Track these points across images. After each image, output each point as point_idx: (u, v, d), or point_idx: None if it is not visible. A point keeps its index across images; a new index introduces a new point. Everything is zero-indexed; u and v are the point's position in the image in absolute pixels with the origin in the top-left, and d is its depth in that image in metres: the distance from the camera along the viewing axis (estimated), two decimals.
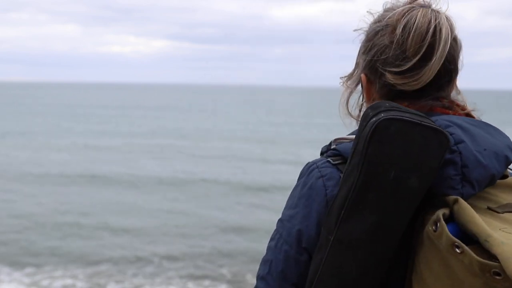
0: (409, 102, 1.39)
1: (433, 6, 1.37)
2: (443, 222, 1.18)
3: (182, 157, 25.03)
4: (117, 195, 16.71)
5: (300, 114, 61.64)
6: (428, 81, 1.35)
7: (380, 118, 1.20)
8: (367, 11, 1.46)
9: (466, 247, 1.14)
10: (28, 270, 10.56)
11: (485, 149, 1.28)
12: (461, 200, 1.21)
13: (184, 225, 13.53)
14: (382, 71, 1.38)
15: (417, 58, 1.32)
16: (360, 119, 1.38)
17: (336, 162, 1.36)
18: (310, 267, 1.31)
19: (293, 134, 36.96)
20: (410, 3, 1.39)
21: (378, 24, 1.41)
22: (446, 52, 1.33)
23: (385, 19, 1.40)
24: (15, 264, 10.86)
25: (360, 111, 1.52)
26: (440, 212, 1.20)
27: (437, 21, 1.33)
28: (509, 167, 1.34)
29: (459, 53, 1.41)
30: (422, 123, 1.20)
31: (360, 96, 1.51)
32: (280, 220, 1.40)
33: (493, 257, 1.12)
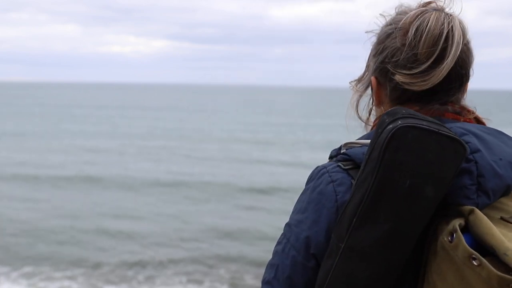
0: (419, 106, 1.38)
1: (447, 9, 1.35)
2: (459, 233, 1.17)
3: (180, 158, 24.88)
4: (113, 198, 16.58)
5: (300, 114, 61.64)
6: (436, 82, 1.33)
7: (398, 125, 1.18)
8: (380, 14, 1.46)
9: (484, 260, 1.12)
10: (26, 270, 10.56)
11: (500, 159, 1.27)
12: (477, 211, 1.20)
13: (181, 228, 13.42)
14: (392, 73, 1.37)
15: (429, 62, 1.31)
16: (367, 123, 1.44)
17: (347, 167, 1.34)
18: (318, 273, 1.30)
19: (292, 135, 36.90)
20: (423, 6, 1.38)
21: (389, 26, 1.41)
22: (457, 56, 1.32)
23: (396, 22, 1.39)
24: (13, 265, 10.84)
25: (369, 114, 1.51)
26: (456, 223, 1.18)
27: (450, 25, 1.32)
28: None
29: (470, 58, 1.40)
30: (440, 131, 1.19)
31: (369, 100, 1.50)
32: (287, 225, 1.38)
33: (510, 270, 1.11)
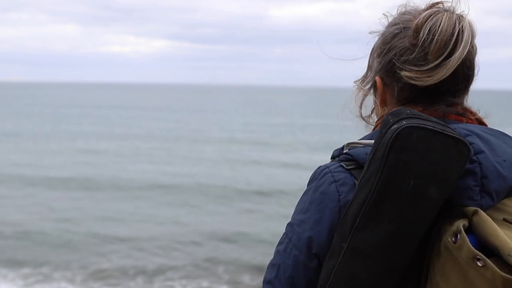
0: (423, 107, 1.38)
1: (458, 11, 1.36)
2: (464, 234, 1.17)
3: (178, 160, 24.73)
4: (110, 200, 16.47)
5: (299, 114, 61.58)
6: (441, 78, 1.33)
7: (402, 125, 1.19)
8: (383, 14, 1.46)
9: (488, 261, 1.13)
10: (25, 271, 10.56)
11: (504, 160, 1.28)
12: (481, 212, 1.21)
13: (179, 231, 13.32)
14: (400, 68, 1.36)
15: (439, 60, 1.31)
16: (369, 122, 1.46)
17: (350, 167, 1.34)
18: (320, 273, 1.30)
19: (291, 136, 36.82)
20: (431, 6, 1.38)
21: (396, 26, 1.41)
22: (465, 55, 1.32)
23: (404, 22, 1.39)
24: (11, 266, 10.82)
25: (372, 113, 1.51)
26: (460, 224, 1.19)
27: (461, 24, 1.32)
28: None
29: (476, 60, 1.41)
30: (444, 132, 1.19)
31: (372, 100, 1.51)
32: (289, 224, 1.38)
33: None
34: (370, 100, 1.50)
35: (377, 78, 1.44)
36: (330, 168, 1.36)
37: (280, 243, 1.38)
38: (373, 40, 1.48)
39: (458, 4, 1.36)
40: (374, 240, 1.20)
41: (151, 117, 53.14)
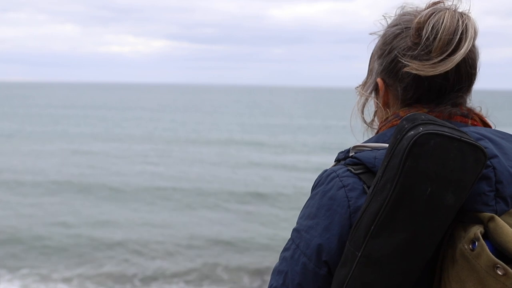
0: (429, 109, 1.37)
1: (460, 9, 1.35)
2: (483, 241, 1.15)
3: (175, 162, 24.44)
4: (106, 204, 16.30)
5: (299, 115, 61.55)
6: (444, 70, 1.32)
7: (420, 132, 1.17)
8: (383, 15, 1.45)
9: (510, 270, 1.11)
10: (22, 272, 10.59)
11: None
12: (498, 218, 1.19)
13: (175, 235, 13.19)
14: (404, 65, 1.35)
15: (443, 56, 1.31)
16: (372, 126, 1.46)
17: (358, 171, 1.31)
18: (331, 282, 1.28)
19: (290, 137, 36.75)
20: (432, 5, 1.37)
21: (397, 27, 1.40)
22: (468, 52, 1.32)
23: (405, 22, 1.39)
24: (9, 266, 10.86)
25: (374, 117, 1.50)
26: (476, 230, 1.17)
27: (464, 22, 1.32)
28: None
29: (478, 60, 1.41)
30: (462, 138, 1.18)
31: (373, 103, 1.49)
32: (296, 230, 1.35)
33: None
34: (372, 105, 1.49)
35: (379, 80, 1.42)
36: (337, 173, 1.33)
37: (286, 249, 1.35)
38: (373, 43, 1.47)
39: (459, 3, 1.36)
40: (389, 249, 1.19)
41: (149, 118, 52.91)
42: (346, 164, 1.34)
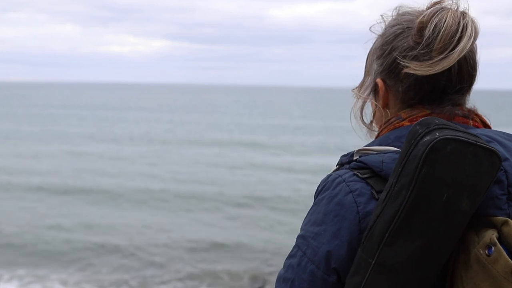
0: (431, 110, 1.36)
1: (461, 9, 1.35)
2: (500, 247, 1.14)
3: (171, 164, 24.24)
4: (101, 208, 16.14)
5: (299, 115, 61.55)
6: (443, 69, 1.31)
7: (436, 137, 1.16)
8: (381, 15, 1.45)
9: None
10: (20, 272, 10.63)
11: None
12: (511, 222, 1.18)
13: (172, 238, 13.07)
14: (405, 66, 1.34)
15: (442, 55, 1.30)
16: (371, 128, 1.45)
17: (365, 175, 1.29)
18: None
19: (290, 137, 36.73)
20: (434, 5, 1.36)
21: (397, 27, 1.39)
22: (468, 48, 1.31)
23: (406, 22, 1.38)
24: (7, 267, 10.86)
25: (373, 118, 1.47)
26: (493, 235, 1.16)
27: (465, 21, 1.32)
28: None
29: (477, 61, 1.41)
30: (477, 143, 1.17)
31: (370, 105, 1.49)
32: (302, 237, 1.32)
33: None
34: (369, 106, 1.49)
35: (379, 80, 1.41)
36: (343, 177, 1.30)
37: (291, 256, 1.33)
38: (370, 42, 1.47)
39: (458, 3, 1.35)
40: (403, 256, 1.17)
41: (149, 118, 52.88)
42: (351, 168, 1.31)
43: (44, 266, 11.11)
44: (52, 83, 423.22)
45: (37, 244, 12.40)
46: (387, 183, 1.21)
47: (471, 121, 1.37)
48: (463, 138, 1.16)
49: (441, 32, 1.30)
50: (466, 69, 1.36)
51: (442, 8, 1.34)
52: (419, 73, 1.32)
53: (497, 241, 1.15)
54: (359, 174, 1.29)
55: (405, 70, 1.33)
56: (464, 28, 1.31)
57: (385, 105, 1.41)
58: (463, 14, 1.33)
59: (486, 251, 1.15)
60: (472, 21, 1.33)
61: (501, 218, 1.19)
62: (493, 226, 1.18)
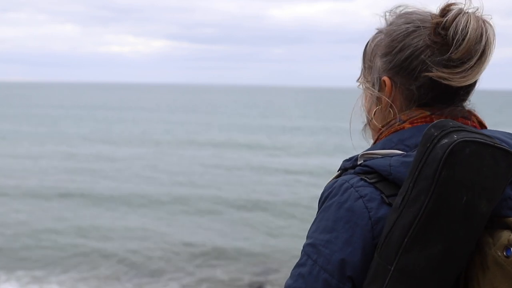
0: (431, 111, 1.35)
1: (478, 12, 1.33)
2: None
3: (171, 165, 23.93)
4: (98, 212, 15.89)
5: (299, 115, 61.55)
6: (474, 80, 1.31)
7: (455, 140, 1.15)
8: (385, 12, 1.43)
9: None
10: (18, 273, 10.62)
11: None
12: None
13: (168, 242, 12.87)
14: (423, 70, 1.32)
15: (473, 61, 1.28)
16: (373, 128, 1.43)
17: (373, 180, 1.27)
18: None
19: (289, 138, 36.67)
20: (449, 6, 1.33)
21: (409, 25, 1.36)
22: (491, 56, 1.31)
23: (420, 20, 1.36)
24: (5, 267, 10.89)
25: (373, 116, 1.44)
26: (510, 237, 1.16)
27: (486, 25, 1.31)
28: None
29: None
30: (495, 145, 1.17)
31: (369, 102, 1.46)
32: (311, 245, 1.28)
33: None
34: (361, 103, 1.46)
35: (386, 78, 1.37)
36: (350, 182, 1.28)
37: (300, 265, 1.28)
38: (365, 42, 1.45)
39: (471, 4, 1.33)
40: (423, 261, 1.16)
41: (148, 119, 52.76)
42: (357, 173, 1.29)
43: (41, 268, 11.07)
44: (52, 83, 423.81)
45: (33, 248, 12.34)
46: (402, 187, 1.20)
47: (470, 122, 1.37)
48: (481, 140, 1.16)
49: (467, 36, 1.28)
50: None
51: (462, 10, 1.32)
52: (453, 83, 1.30)
53: None
54: (367, 179, 1.27)
55: (431, 75, 1.31)
56: (487, 33, 1.30)
57: (390, 105, 1.39)
58: (484, 21, 1.32)
59: (504, 253, 1.14)
60: (491, 27, 1.32)
61: None
62: (507, 227, 1.18)
